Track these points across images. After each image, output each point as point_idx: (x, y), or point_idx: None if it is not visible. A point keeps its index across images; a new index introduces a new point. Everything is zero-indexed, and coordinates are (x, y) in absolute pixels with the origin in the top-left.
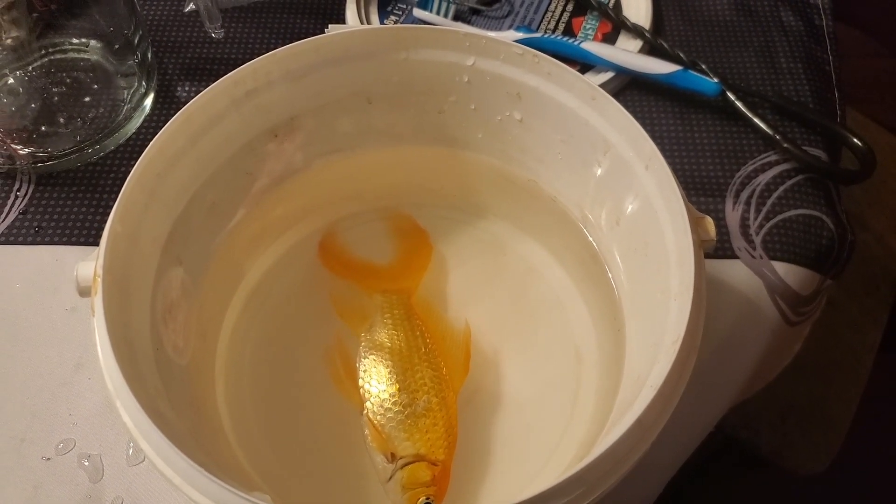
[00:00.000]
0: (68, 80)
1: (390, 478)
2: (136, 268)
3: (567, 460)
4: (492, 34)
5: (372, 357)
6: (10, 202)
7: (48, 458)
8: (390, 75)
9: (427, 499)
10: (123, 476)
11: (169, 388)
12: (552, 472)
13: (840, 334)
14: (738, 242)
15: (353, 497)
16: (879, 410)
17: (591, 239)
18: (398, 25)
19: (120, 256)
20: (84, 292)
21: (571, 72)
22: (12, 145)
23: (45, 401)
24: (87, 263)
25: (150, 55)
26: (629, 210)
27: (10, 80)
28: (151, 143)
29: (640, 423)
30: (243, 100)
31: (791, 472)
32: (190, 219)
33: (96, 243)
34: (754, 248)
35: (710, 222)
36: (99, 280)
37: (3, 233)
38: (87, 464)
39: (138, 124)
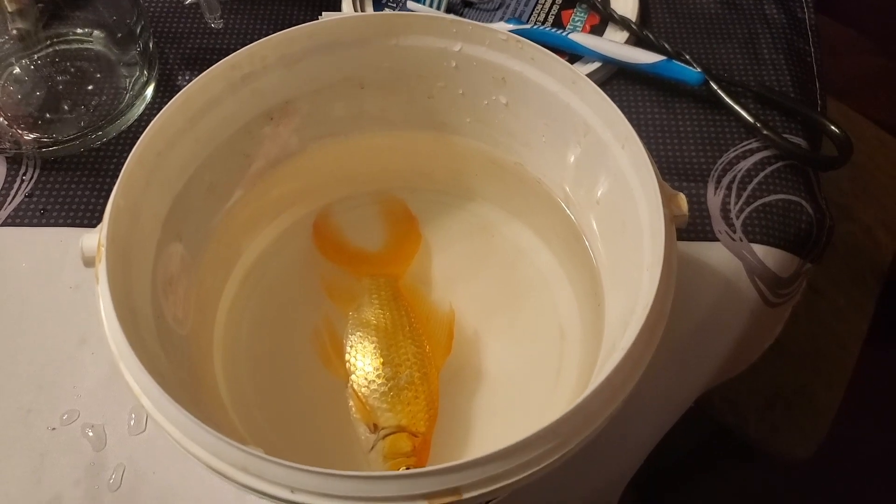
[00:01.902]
0: (72, 69)
1: (373, 447)
2: (137, 240)
3: None
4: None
5: (358, 333)
6: (16, 186)
7: (53, 428)
8: (381, 61)
9: (407, 468)
10: (125, 445)
11: (169, 355)
12: None
13: (827, 323)
14: (718, 226)
15: (340, 463)
16: (865, 398)
17: (573, 218)
18: (388, 13)
19: (122, 228)
20: (89, 262)
21: (553, 56)
22: (18, 131)
23: (50, 374)
24: (91, 235)
25: (151, 45)
26: (608, 188)
27: (17, 69)
28: (152, 122)
29: (609, 382)
30: (240, 83)
31: (777, 458)
32: (189, 197)
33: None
34: (734, 231)
35: (682, 198)
36: (103, 249)
37: (10, 215)
38: (90, 433)
39: (140, 111)
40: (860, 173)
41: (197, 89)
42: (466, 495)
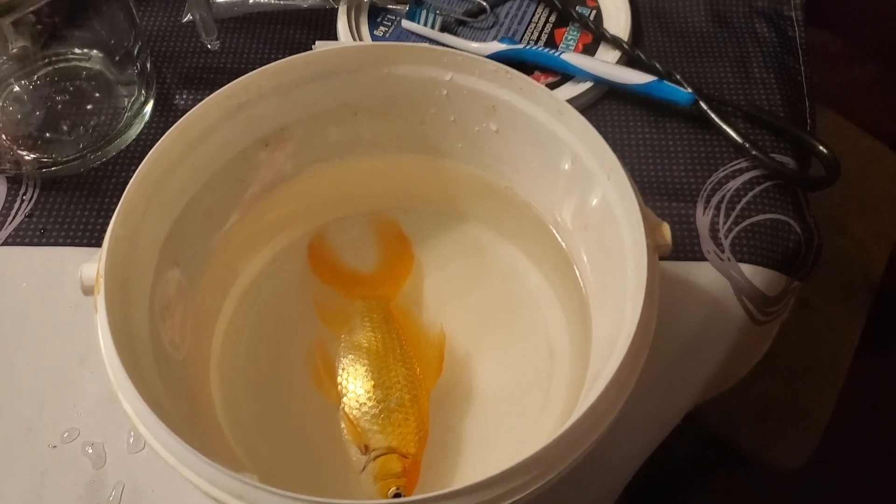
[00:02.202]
0: (71, 89)
1: (364, 468)
2: (135, 268)
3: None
4: (474, 45)
5: (350, 356)
6: (16, 205)
7: (54, 446)
8: (374, 89)
9: (397, 489)
10: (125, 463)
11: (166, 381)
12: None
13: (819, 336)
14: (707, 245)
15: (335, 485)
16: (857, 409)
17: (562, 242)
18: (381, 43)
19: (120, 257)
20: (88, 291)
21: (540, 87)
22: (18, 151)
23: (51, 392)
24: (90, 265)
25: (149, 65)
26: (595, 216)
27: (16, 89)
28: (150, 152)
29: (593, 410)
30: (236, 112)
31: (769, 468)
32: (186, 223)
33: (99, 245)
34: (723, 251)
35: (666, 228)
36: (101, 280)
37: (10, 235)
38: (90, 451)
39: (138, 131)
40: (853, 186)
41: (195, 118)
42: None
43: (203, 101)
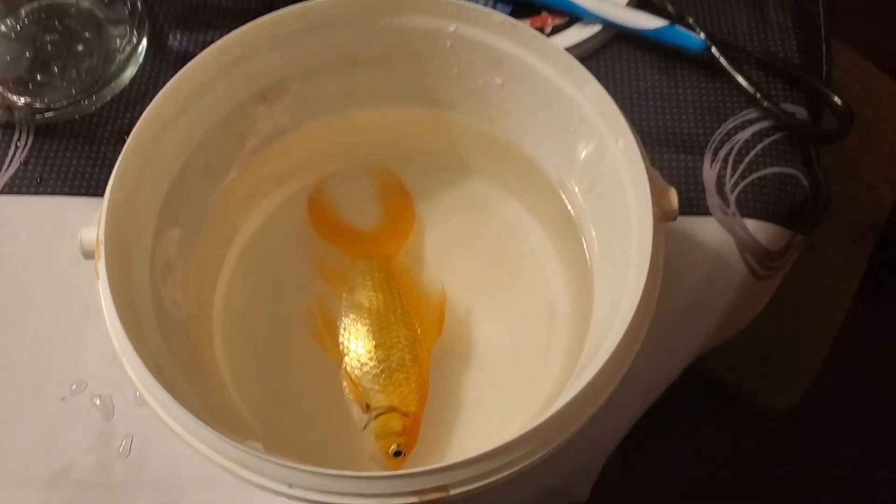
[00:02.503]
0: (60, 28)
1: (365, 426)
2: (134, 231)
3: (536, 408)
4: None
5: (352, 316)
6: (11, 152)
7: (63, 398)
8: (375, 40)
9: (398, 447)
10: (132, 415)
11: (169, 342)
12: (520, 422)
13: (821, 280)
14: (712, 200)
15: (337, 441)
16: (851, 352)
17: (566, 202)
18: None
19: (119, 222)
20: (88, 255)
21: (548, 42)
22: (10, 96)
23: (56, 345)
24: (89, 228)
25: (139, 3)
26: (601, 178)
27: (2, 28)
28: (144, 113)
29: (592, 386)
30: (231, 66)
31: (764, 409)
32: (185, 181)
33: (97, 194)
34: (728, 206)
35: (673, 194)
36: (101, 247)
37: (6, 183)
38: (98, 403)
39: (132, 74)
40: (869, 129)
41: (188, 75)
42: (453, 492)
43: (196, 58)
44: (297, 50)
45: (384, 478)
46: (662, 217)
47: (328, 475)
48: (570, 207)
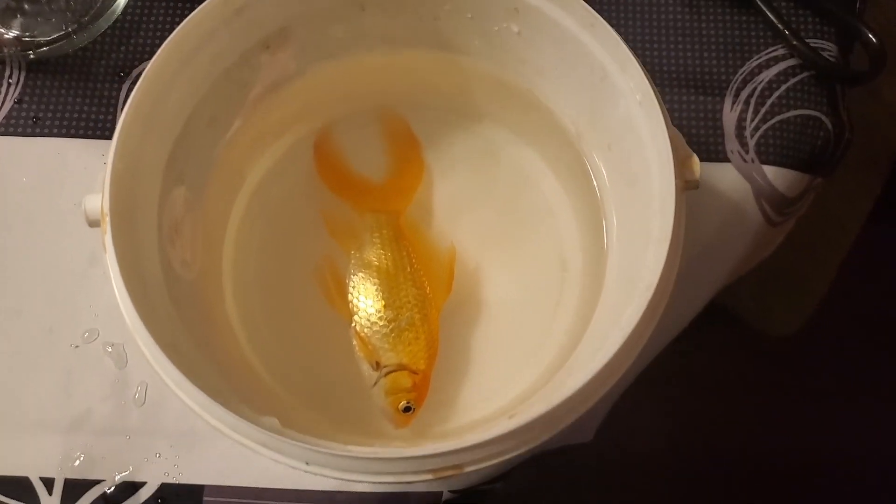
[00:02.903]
0: None
1: (375, 383)
2: (140, 198)
3: (546, 363)
4: None
5: (361, 274)
6: (3, 90)
7: (76, 346)
8: None
9: (407, 402)
10: (145, 364)
11: (179, 307)
12: (530, 375)
13: (830, 206)
14: (731, 145)
15: (349, 397)
16: (857, 278)
17: (583, 153)
18: None
19: (124, 192)
20: (93, 224)
21: None
22: None
23: (65, 293)
24: (93, 197)
25: None
26: (620, 138)
27: None
28: (142, 76)
29: (608, 366)
30: (233, 17)
31: (764, 334)
32: (189, 137)
33: (95, 136)
34: (747, 152)
35: (696, 162)
36: (107, 219)
37: (2, 124)
38: (110, 350)
39: (124, 4)
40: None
41: (189, 29)
42: (467, 469)
43: (196, 11)
44: None
45: (400, 458)
46: (684, 187)
47: (344, 456)
48: (586, 159)
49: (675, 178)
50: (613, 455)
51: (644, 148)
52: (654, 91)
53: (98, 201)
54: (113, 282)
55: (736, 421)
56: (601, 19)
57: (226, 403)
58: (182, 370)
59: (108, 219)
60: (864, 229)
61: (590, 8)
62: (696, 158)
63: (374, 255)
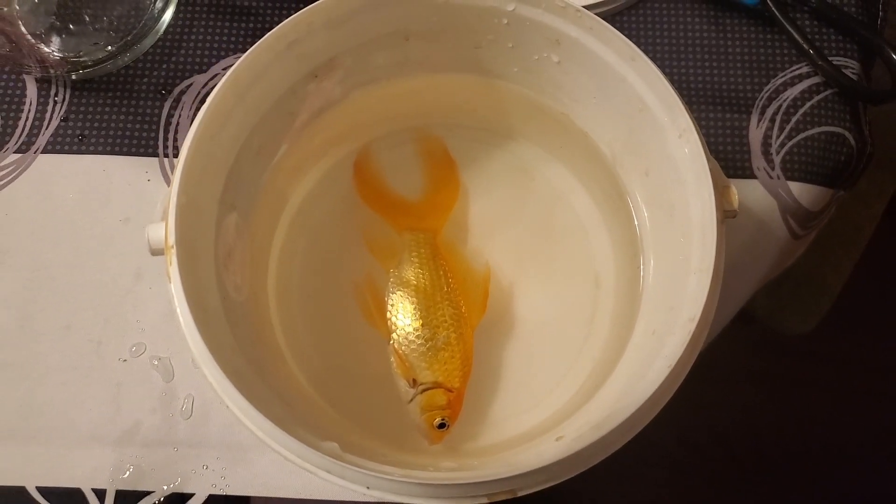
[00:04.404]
0: None
1: (411, 400)
2: (200, 228)
3: (580, 380)
4: None
5: (399, 293)
6: (49, 108)
7: (124, 360)
8: (429, 16)
9: (442, 419)
10: (191, 376)
11: (237, 333)
12: (564, 394)
13: (845, 207)
14: (758, 162)
15: (386, 412)
16: (872, 277)
17: (619, 177)
18: None
19: (186, 224)
20: (156, 253)
21: (612, 30)
22: (43, 48)
23: (113, 308)
24: (155, 226)
25: None
26: (658, 168)
27: None
28: (202, 110)
29: (653, 398)
30: (285, 52)
31: (779, 332)
32: (240, 167)
33: (139, 153)
34: (773, 169)
35: (733, 193)
36: (172, 251)
37: (49, 141)
38: (157, 364)
39: (168, 21)
40: None
41: (245, 66)
42: (521, 493)
43: (253, 48)
44: (351, 28)
45: (459, 485)
46: (724, 218)
47: (405, 482)
48: (622, 183)
49: (717, 210)
50: (628, 445)
51: (682, 176)
52: (695, 126)
53: (160, 231)
54: (178, 312)
55: (750, 415)
56: (641, 53)
57: (290, 430)
58: (247, 397)
59: (173, 251)
60: (878, 229)
61: (630, 42)
62: (733, 189)
63: (412, 273)
